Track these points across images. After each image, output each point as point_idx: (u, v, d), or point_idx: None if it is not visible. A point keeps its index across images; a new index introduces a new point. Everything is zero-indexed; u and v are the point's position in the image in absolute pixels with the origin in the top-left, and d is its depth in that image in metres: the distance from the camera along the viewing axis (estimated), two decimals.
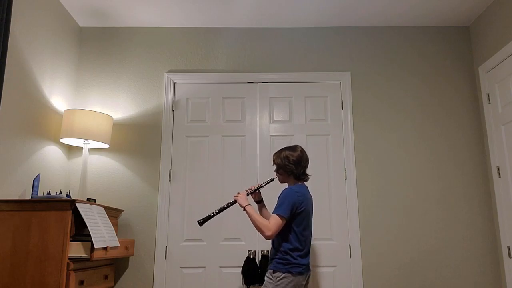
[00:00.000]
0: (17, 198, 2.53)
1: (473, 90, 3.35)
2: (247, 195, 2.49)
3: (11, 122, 2.51)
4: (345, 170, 3.21)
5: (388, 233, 3.10)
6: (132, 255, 3.01)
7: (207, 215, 2.46)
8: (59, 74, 3.10)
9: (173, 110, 3.34)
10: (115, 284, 3.01)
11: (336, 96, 3.36)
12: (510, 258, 2.89)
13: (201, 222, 2.44)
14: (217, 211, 2.46)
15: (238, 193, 2.47)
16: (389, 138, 3.27)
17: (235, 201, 2.46)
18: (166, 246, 3.09)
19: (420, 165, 3.22)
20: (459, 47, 3.44)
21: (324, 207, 3.16)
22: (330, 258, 3.08)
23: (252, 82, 3.39)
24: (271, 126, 3.32)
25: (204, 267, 3.07)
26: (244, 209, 2.37)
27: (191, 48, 3.45)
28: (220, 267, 3.07)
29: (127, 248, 2.85)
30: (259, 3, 3.15)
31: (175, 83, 3.39)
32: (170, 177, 3.21)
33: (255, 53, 3.43)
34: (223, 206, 2.47)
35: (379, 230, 3.11)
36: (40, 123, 2.83)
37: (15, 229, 2.26)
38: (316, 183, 3.17)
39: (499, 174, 3.03)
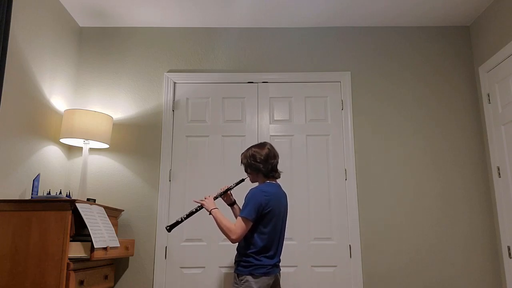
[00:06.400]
0: (17, 198, 2.53)
1: (473, 90, 3.35)
2: (214, 198, 2.44)
3: (11, 122, 2.51)
4: (345, 170, 3.21)
5: (388, 233, 3.10)
6: (132, 255, 3.00)
7: (175, 221, 2.39)
8: (59, 74, 3.10)
9: (173, 110, 3.34)
10: (115, 284, 3.01)
11: (336, 96, 3.36)
12: (510, 258, 2.89)
13: (169, 228, 2.38)
14: (185, 216, 2.38)
15: (205, 197, 2.41)
16: (389, 138, 3.27)
17: (201, 206, 2.40)
18: (166, 246, 3.09)
19: (420, 165, 3.22)
20: (459, 47, 3.44)
21: (324, 207, 3.16)
22: (330, 258, 3.08)
23: (252, 82, 3.39)
24: (271, 126, 3.32)
25: (204, 267, 3.07)
26: (210, 213, 2.32)
27: (191, 48, 3.45)
28: (220, 267, 3.07)
29: (127, 248, 2.85)
30: (259, 3, 3.15)
31: (175, 83, 3.39)
32: (170, 177, 3.21)
33: (255, 53, 3.43)
34: (191, 211, 2.40)
35: (379, 230, 3.11)
36: (40, 123, 2.83)
37: (15, 229, 2.26)
38: (316, 183, 3.17)
39: (499, 174, 3.03)
